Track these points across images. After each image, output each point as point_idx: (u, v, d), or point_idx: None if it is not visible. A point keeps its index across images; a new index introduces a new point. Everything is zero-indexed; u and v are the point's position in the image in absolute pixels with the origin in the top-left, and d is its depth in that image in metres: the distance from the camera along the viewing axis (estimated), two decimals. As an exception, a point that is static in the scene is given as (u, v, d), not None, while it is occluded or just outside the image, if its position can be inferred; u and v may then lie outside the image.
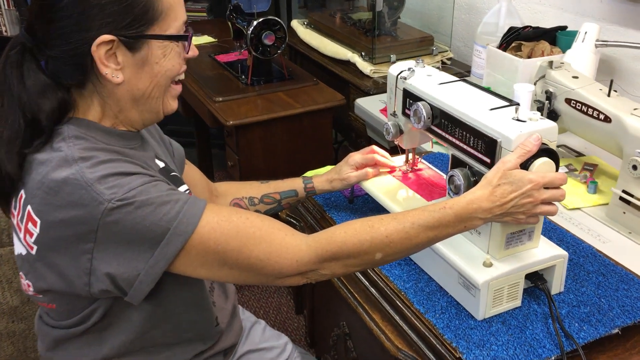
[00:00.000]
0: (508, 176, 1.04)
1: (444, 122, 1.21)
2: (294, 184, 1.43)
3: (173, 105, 1.12)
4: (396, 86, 1.35)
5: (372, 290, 1.29)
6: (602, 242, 1.39)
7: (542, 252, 1.19)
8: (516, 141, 1.06)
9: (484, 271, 1.14)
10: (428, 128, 1.25)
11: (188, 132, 3.37)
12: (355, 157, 1.42)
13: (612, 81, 1.52)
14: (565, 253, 1.20)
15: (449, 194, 1.20)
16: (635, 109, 1.43)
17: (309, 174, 1.68)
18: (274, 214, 1.43)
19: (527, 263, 1.16)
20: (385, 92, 2.32)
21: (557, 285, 1.22)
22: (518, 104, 1.17)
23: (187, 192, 1.18)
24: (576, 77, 1.65)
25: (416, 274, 1.28)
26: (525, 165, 1.06)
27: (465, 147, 1.16)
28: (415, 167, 1.47)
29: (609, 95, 1.51)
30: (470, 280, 1.14)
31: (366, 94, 2.38)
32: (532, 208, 1.05)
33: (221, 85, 2.50)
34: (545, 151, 1.07)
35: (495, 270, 1.14)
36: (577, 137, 1.65)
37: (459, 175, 1.16)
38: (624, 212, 1.43)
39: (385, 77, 2.25)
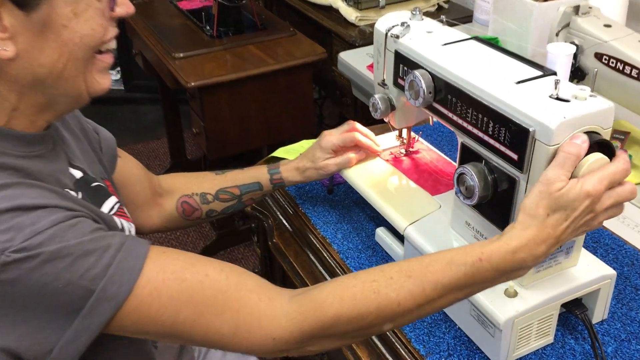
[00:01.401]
0: (558, 200, 0.73)
1: (450, 98, 0.88)
2: (257, 174, 1.11)
3: (102, 82, 0.78)
4: (385, 46, 1.01)
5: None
6: (649, 241, 1.08)
7: (584, 272, 0.89)
8: (558, 133, 0.75)
9: (506, 304, 0.84)
10: (429, 105, 0.93)
11: (155, 87, 3.00)
12: (331, 138, 1.09)
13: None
14: (612, 272, 0.90)
15: (457, 195, 0.89)
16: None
17: (279, 152, 1.36)
18: (235, 211, 1.12)
19: (564, 290, 0.86)
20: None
21: (599, 311, 0.92)
22: (555, 74, 0.84)
23: (116, 206, 0.87)
24: (608, 26, 1.32)
25: (414, 296, 0.98)
26: None
27: (480, 134, 0.84)
28: (411, 149, 1.15)
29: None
30: (487, 316, 0.84)
31: (351, 45, 2.04)
32: (594, 220, 0.76)
33: (182, 39, 2.14)
34: (597, 143, 0.76)
35: (521, 302, 0.84)
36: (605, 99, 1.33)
37: (471, 173, 0.84)
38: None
39: (373, 26, 1.90)
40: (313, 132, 2.74)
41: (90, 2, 0.72)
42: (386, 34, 1.00)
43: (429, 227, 0.98)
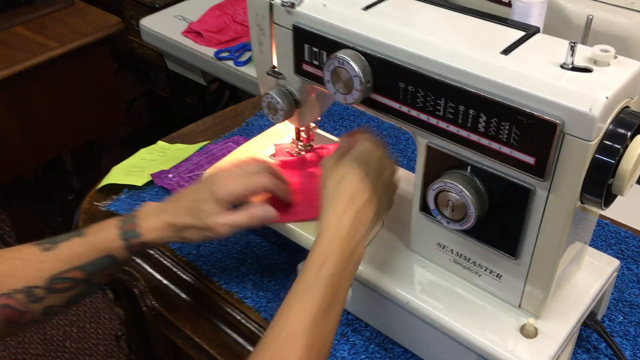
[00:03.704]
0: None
1: (404, 87, 0.61)
2: (105, 241, 0.72)
3: None
4: (272, 21, 0.71)
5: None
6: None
7: (591, 273, 0.70)
8: (602, 121, 0.52)
9: (531, 349, 0.62)
10: (366, 100, 0.65)
11: None
12: (233, 185, 0.73)
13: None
14: (617, 263, 0.72)
15: (439, 219, 0.64)
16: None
17: (115, 177, 1.00)
18: (87, 296, 0.75)
19: (585, 307, 0.67)
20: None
21: (603, 308, 0.76)
22: (538, 30, 0.61)
23: None
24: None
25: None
26: None
27: (465, 133, 0.59)
28: (312, 144, 0.87)
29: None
30: (511, 371, 0.62)
31: (150, 9, 1.65)
32: None
33: None
34: None
35: (548, 342, 0.63)
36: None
37: (459, 188, 0.59)
38: None
39: (178, -18, 1.55)
40: (127, 122, 2.30)
41: None
42: (271, 3, 0.69)
43: (382, 256, 0.73)
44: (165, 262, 0.87)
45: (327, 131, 1.06)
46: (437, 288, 0.69)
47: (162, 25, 1.54)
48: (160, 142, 1.12)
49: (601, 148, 0.53)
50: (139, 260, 0.89)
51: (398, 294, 0.69)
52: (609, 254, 0.81)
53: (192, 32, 1.49)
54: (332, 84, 0.65)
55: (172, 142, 1.12)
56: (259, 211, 0.73)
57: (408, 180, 0.75)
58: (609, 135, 0.53)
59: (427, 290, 0.69)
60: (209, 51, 1.44)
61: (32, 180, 1.90)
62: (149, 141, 1.11)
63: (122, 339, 1.07)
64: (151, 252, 0.88)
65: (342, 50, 0.63)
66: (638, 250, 0.85)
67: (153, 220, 0.73)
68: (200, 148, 1.06)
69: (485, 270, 0.66)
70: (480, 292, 0.68)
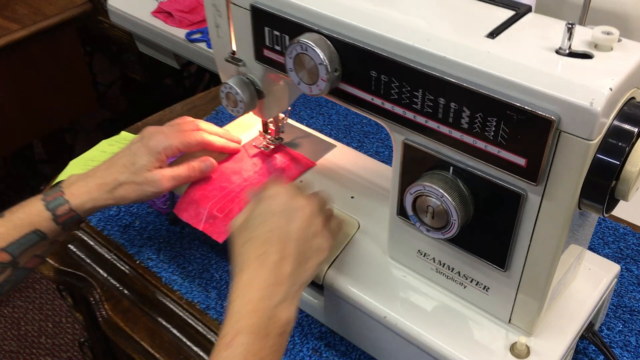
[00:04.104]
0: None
1: (376, 76, 0.53)
2: (30, 215, 0.66)
3: None
4: (229, 0, 0.62)
5: None
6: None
7: (590, 280, 0.63)
8: (604, 116, 0.44)
9: (522, 371, 0.55)
10: (335, 90, 0.57)
11: None
12: (165, 138, 0.71)
13: None
14: (617, 268, 0.65)
15: (418, 227, 0.56)
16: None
17: (72, 169, 0.92)
18: (17, 284, 0.67)
19: (581, 322, 0.60)
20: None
21: (602, 316, 0.69)
22: (530, 9, 0.53)
23: None
24: None
25: (360, 370, 0.66)
26: None
27: (446, 130, 0.51)
28: (281, 137, 0.79)
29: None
30: (500, 397, 0.55)
31: (119, -14, 1.55)
32: None
33: None
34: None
35: (542, 362, 0.56)
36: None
37: (440, 192, 0.52)
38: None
39: (146, -42, 1.45)
40: (104, 106, 2.21)
41: None
42: (226, -20, 0.61)
43: (356, 264, 0.65)
44: (122, 267, 0.80)
45: (303, 120, 0.98)
46: (418, 301, 0.61)
47: (130, 5, 1.45)
48: (123, 133, 1.03)
49: (604, 147, 0.46)
50: (94, 265, 0.81)
51: (374, 308, 0.61)
52: (606, 253, 0.74)
53: (163, 12, 1.39)
54: (295, 73, 0.56)
55: (136, 132, 1.03)
56: (198, 162, 0.72)
57: (387, 177, 0.68)
58: (613, 132, 0.46)
59: (406, 303, 0.61)
60: (181, 32, 1.35)
61: (3, 170, 1.82)
62: (127, 125, 1.04)
63: (86, 345, 1.00)
64: (107, 256, 0.81)
65: (305, 34, 0.55)
66: (638, 249, 0.78)
67: (81, 185, 0.69)
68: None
69: (471, 281, 0.59)
70: (465, 306, 0.61)
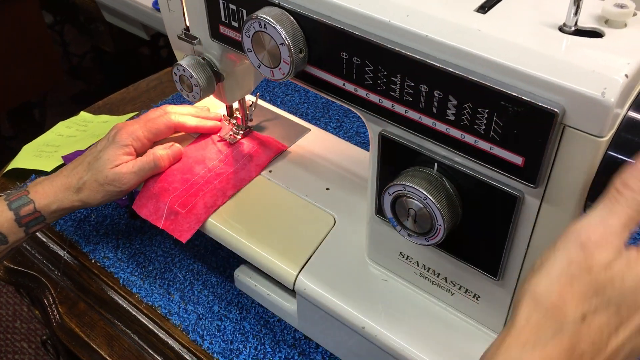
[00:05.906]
0: (607, 287, 0.34)
1: (348, 59, 0.45)
2: None
3: None
4: (178, -32, 0.54)
5: None
6: None
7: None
8: (617, 109, 0.37)
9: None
10: (301, 73, 0.49)
11: None
12: (130, 128, 0.65)
13: None
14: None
15: (399, 231, 0.49)
16: None
17: (24, 158, 0.86)
18: None
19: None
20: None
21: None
22: (528, -23, 0.45)
23: None
24: None
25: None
26: None
27: (429, 122, 0.44)
28: (250, 124, 0.71)
29: None
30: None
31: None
32: None
33: None
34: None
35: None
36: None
37: (423, 194, 0.44)
38: None
39: None
40: (77, 78, 2.11)
41: None
42: (174, -56, 0.52)
43: (332, 266, 0.58)
44: (76, 267, 0.72)
45: (277, 98, 0.90)
46: (401, 309, 0.55)
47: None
48: (82, 113, 0.95)
49: (616, 143, 0.38)
50: (48, 264, 0.74)
51: (352, 317, 0.55)
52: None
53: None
54: (254, 54, 0.48)
55: (97, 112, 0.95)
56: (163, 149, 0.65)
57: (367, 165, 0.60)
58: (627, 125, 0.38)
59: (387, 311, 0.55)
60: (147, 1, 1.26)
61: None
62: (102, 96, 0.97)
63: (48, 343, 0.93)
64: (60, 254, 0.73)
65: (264, 9, 0.47)
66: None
67: (46, 184, 0.63)
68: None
69: (460, 288, 0.52)
70: (453, 315, 0.54)
